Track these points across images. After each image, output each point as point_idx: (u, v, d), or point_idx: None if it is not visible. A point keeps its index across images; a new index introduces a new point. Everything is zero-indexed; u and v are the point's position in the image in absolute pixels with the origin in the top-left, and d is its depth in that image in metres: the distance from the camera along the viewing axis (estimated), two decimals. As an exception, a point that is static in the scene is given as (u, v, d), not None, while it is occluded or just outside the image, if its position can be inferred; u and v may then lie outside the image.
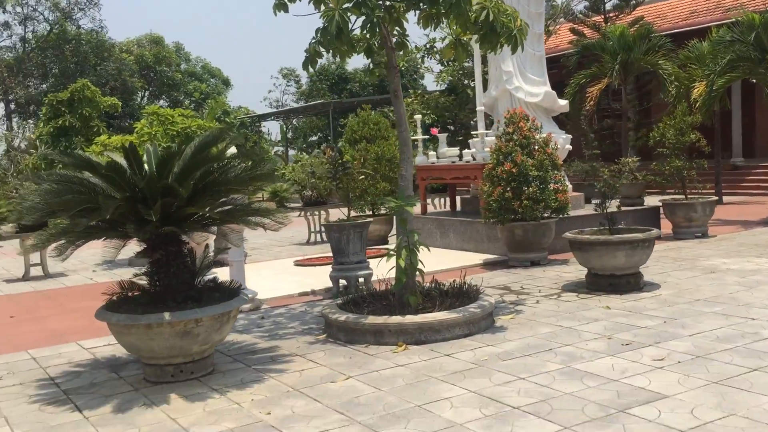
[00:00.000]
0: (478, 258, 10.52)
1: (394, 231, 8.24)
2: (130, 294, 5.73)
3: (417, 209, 13.42)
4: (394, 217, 7.86)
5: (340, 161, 8.32)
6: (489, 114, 12.53)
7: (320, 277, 9.84)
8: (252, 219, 5.49)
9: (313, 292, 8.85)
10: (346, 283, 8.52)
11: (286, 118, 39.79)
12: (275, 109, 50.81)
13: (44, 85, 33.47)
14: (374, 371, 5.36)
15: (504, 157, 9.59)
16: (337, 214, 10.81)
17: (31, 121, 29.98)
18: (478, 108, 12.27)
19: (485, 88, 12.76)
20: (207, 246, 5.91)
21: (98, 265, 13.57)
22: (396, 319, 6.07)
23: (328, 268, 10.81)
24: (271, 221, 5.54)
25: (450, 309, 6.23)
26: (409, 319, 6.06)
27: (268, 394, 5.01)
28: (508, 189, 9.42)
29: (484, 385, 4.87)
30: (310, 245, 14.62)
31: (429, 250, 6.87)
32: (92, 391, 5.36)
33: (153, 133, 12.57)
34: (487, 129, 12.16)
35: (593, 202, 9.64)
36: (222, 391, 5.12)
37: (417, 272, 6.31)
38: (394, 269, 6.40)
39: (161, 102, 42.01)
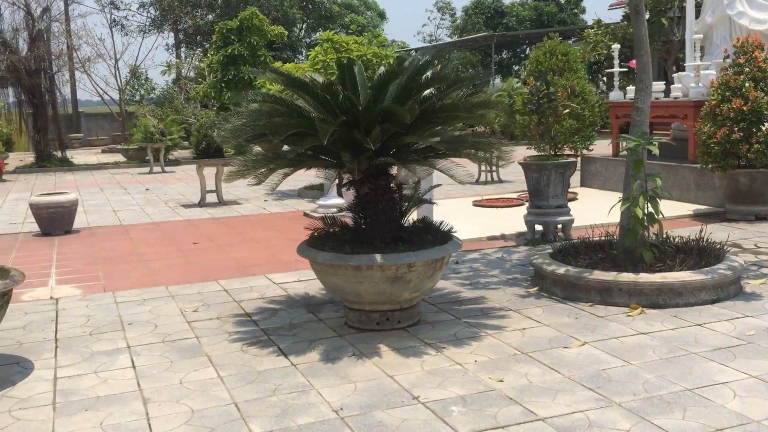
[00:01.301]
0: (685, 208, 9.28)
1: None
2: (331, 230, 5.22)
3: (609, 150, 12.24)
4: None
5: (544, 92, 7.37)
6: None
7: (505, 220, 9.07)
8: (476, 152, 4.74)
9: (504, 237, 8.08)
10: (542, 229, 7.69)
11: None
12: (428, 44, 49.70)
13: (210, 16, 34.27)
14: (612, 338, 4.55)
15: (732, 92, 8.22)
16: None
17: (199, 51, 30.82)
18: (692, 36, 10.74)
19: (697, 15, 11.16)
20: (419, 181, 5.24)
21: (268, 194, 13.52)
22: (628, 276, 5.19)
23: (511, 211, 10.06)
24: (496, 155, 4.77)
25: (693, 269, 5.26)
26: (645, 277, 5.16)
27: (492, 355, 4.34)
28: (736, 130, 8.09)
29: (766, 369, 3.94)
30: (480, 185, 13.83)
31: (671, 196, 5.86)
32: (293, 333, 4.94)
33: (327, 61, 12.10)
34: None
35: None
36: (437, 347, 4.51)
37: (654, 224, 5.36)
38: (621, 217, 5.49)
39: (317, 35, 42.03)
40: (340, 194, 10.29)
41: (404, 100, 4.55)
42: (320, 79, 4.78)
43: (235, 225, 10.08)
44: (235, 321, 5.29)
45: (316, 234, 5.19)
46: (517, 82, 19.33)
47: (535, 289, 5.74)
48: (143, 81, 33.62)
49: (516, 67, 42.18)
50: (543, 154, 7.95)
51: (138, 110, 22.50)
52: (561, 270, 5.49)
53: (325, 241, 5.04)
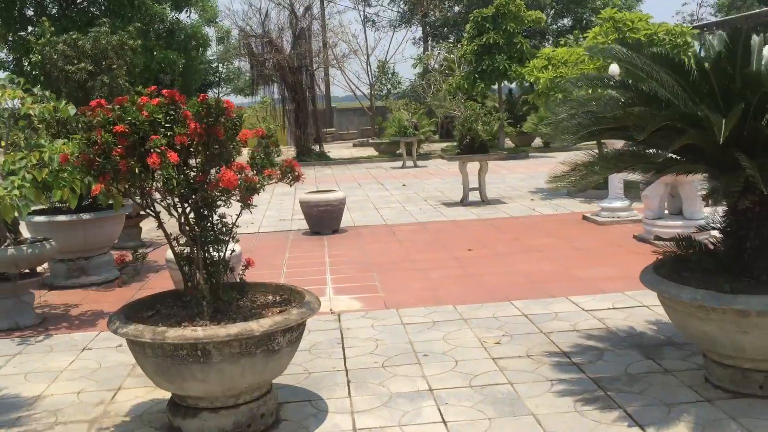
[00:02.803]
0: None
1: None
2: (683, 253, 3.97)
3: None
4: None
5: None
6: None
7: None
8: None
9: None
10: None
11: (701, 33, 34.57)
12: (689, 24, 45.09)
13: (457, 7, 33.86)
14: None
15: None
16: None
17: (447, 42, 30.48)
18: None
19: None
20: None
21: (533, 193, 12.40)
22: None
23: None
24: None
25: None
26: None
27: None
28: None
29: None
30: None
31: None
32: (637, 389, 3.78)
33: (608, 43, 10.66)
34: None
35: None
36: None
37: None
38: None
39: (565, 21, 39.98)
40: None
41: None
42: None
43: (506, 228, 9.10)
44: (552, 363, 4.25)
45: (663, 258, 3.97)
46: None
47: None
48: (390, 76, 34.15)
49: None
50: None
51: (391, 104, 22.51)
52: None
53: (677, 269, 3.82)
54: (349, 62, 47.70)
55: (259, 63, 22.01)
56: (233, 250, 3.77)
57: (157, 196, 3.53)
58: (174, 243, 3.68)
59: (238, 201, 3.46)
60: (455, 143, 25.18)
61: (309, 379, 4.20)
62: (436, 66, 29.14)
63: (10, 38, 18.29)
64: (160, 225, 3.65)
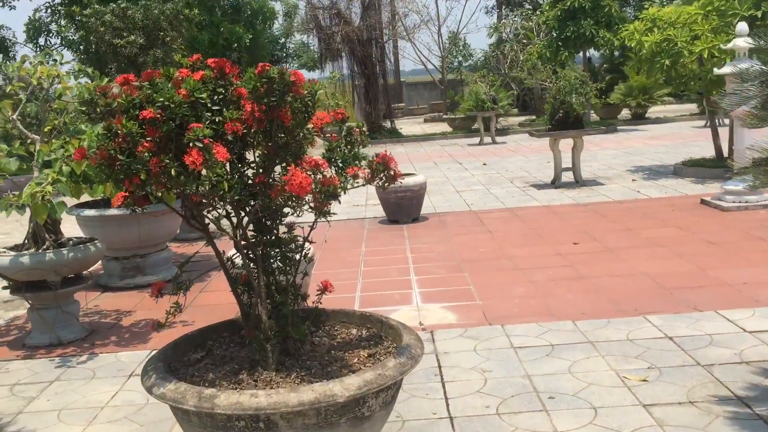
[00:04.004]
0: None
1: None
2: None
3: None
4: None
5: None
6: None
7: None
8: None
9: None
10: None
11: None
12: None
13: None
14: None
15: None
16: None
17: (519, 10, 28.85)
18: None
19: None
20: None
21: (632, 172, 11.11)
22: None
23: None
24: None
25: None
26: None
27: None
28: None
29: None
30: None
31: None
32: None
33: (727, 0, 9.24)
34: None
35: None
36: None
37: None
38: None
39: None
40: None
41: None
42: None
43: (612, 215, 7.93)
44: (729, 415, 3.18)
45: None
46: None
47: None
48: (461, 47, 32.73)
49: None
50: None
51: (467, 77, 21.25)
52: None
53: None
54: (420, 34, 46.31)
55: (327, 36, 21.09)
56: (306, 273, 2.86)
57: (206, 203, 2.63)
58: (228, 264, 2.77)
59: (311, 210, 2.52)
60: (533, 117, 23.89)
61: (404, 430, 3.26)
62: (511, 35, 27.62)
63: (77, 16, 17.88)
64: (210, 241, 2.74)
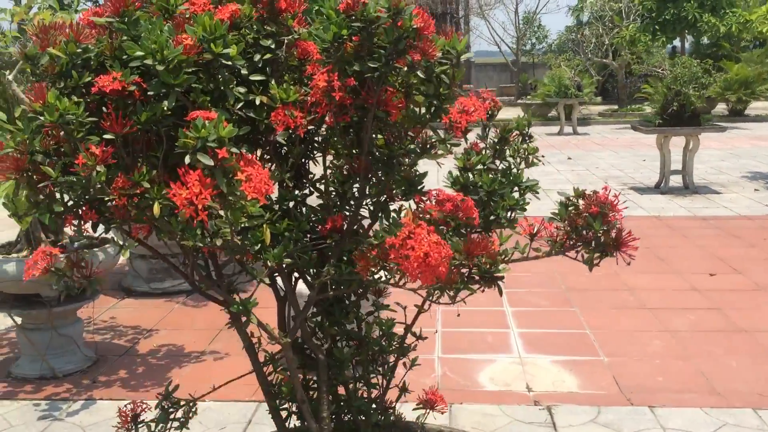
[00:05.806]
0: None
1: None
2: None
3: None
4: None
5: None
6: None
7: None
8: None
9: None
10: None
11: None
12: None
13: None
14: None
15: None
16: None
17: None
18: None
19: None
20: None
21: (749, 179, 9.51)
22: None
23: None
24: None
25: None
26: None
27: None
28: None
29: None
30: None
31: None
32: None
33: None
34: None
35: None
36: None
37: None
38: None
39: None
40: None
41: None
42: None
43: (746, 235, 6.46)
44: None
45: None
46: None
47: None
48: (536, 28, 30.91)
49: None
50: None
51: (550, 59, 19.63)
52: None
53: None
54: (494, 12, 44.47)
55: (399, 9, 19.70)
56: (389, 376, 1.62)
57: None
58: (267, 370, 1.53)
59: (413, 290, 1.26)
60: (615, 107, 22.05)
61: None
62: (593, 18, 25.73)
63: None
64: (237, 325, 1.52)
